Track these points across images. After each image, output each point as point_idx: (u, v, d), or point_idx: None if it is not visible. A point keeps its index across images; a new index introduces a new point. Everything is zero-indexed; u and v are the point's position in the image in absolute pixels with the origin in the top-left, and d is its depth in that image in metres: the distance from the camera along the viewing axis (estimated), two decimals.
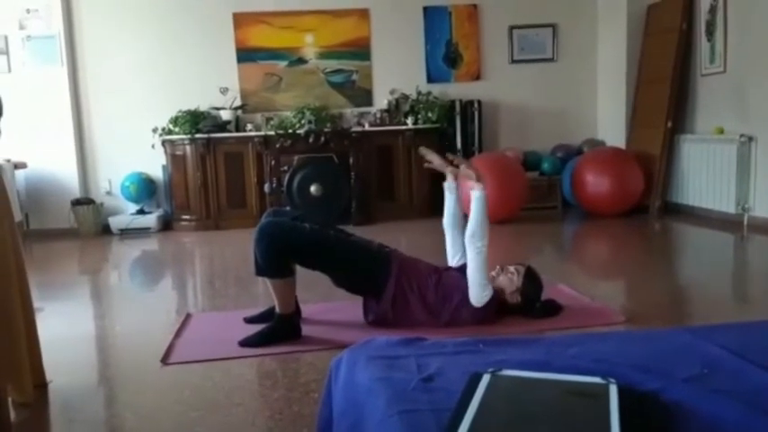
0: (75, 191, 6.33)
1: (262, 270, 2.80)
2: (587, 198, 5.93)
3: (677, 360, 1.44)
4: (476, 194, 2.77)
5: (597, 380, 1.26)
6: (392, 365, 1.47)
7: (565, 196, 6.45)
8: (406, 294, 2.80)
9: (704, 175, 5.62)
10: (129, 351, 2.87)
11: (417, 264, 2.94)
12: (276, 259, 2.73)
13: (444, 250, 3.10)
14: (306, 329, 2.88)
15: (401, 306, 2.80)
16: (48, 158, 6.25)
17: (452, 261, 3.05)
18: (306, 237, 2.77)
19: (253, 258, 2.84)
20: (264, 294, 3.92)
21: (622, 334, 2.28)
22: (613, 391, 1.20)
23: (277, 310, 2.82)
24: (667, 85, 5.89)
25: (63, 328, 3.21)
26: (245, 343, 2.74)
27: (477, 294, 2.76)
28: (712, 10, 5.60)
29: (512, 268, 2.94)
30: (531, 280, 2.92)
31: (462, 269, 2.88)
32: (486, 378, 1.28)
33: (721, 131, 5.47)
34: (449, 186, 3.03)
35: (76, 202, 6.24)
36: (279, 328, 2.79)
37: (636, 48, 6.35)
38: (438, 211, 6.65)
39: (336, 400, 1.55)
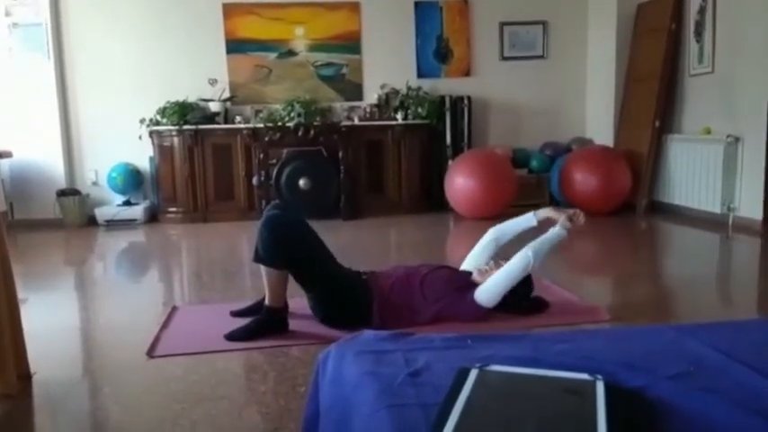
0: (61, 181, 6.27)
1: (260, 257, 2.77)
2: (575, 196, 5.96)
3: (663, 357, 1.45)
4: (562, 233, 2.84)
5: (584, 376, 1.26)
6: (380, 360, 1.47)
7: (553, 194, 6.48)
8: (392, 314, 2.75)
9: (691, 175, 5.67)
10: (115, 343, 2.85)
11: (397, 273, 2.89)
12: (276, 251, 2.71)
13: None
14: (293, 324, 2.87)
15: (393, 325, 2.73)
16: (33, 148, 6.18)
17: (466, 265, 3.07)
18: (309, 242, 2.79)
19: (254, 246, 2.82)
20: (251, 288, 3.91)
21: (609, 331, 2.30)
22: (600, 387, 1.21)
23: (267, 302, 2.81)
24: (656, 85, 5.92)
25: (48, 319, 3.18)
26: (231, 336, 2.73)
27: (486, 298, 2.77)
28: (701, 10, 5.64)
29: (504, 264, 2.90)
30: (523, 280, 2.88)
31: (459, 272, 2.93)
32: (473, 373, 1.28)
33: (708, 131, 5.51)
34: (539, 218, 3.06)
35: (62, 193, 6.18)
36: (266, 322, 2.78)
37: (625, 47, 6.39)
38: (426, 206, 6.66)
39: (323, 394, 1.55)
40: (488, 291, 2.79)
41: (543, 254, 2.81)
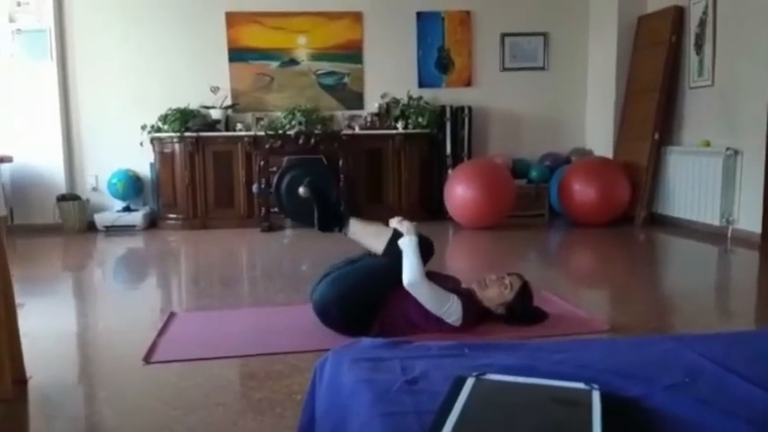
0: (61, 186, 6.28)
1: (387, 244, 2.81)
2: (574, 207, 5.97)
3: (660, 368, 1.45)
4: (407, 239, 2.75)
5: (580, 385, 1.26)
6: (376, 367, 1.47)
7: (552, 204, 6.48)
8: (391, 325, 2.73)
9: (690, 187, 5.67)
10: (111, 349, 2.84)
11: (398, 286, 2.82)
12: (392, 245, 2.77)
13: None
14: (291, 331, 2.87)
15: (391, 335, 2.71)
16: (34, 153, 6.18)
17: None
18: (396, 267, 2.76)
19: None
20: (249, 295, 3.92)
21: (606, 341, 2.29)
22: (596, 396, 1.21)
23: (353, 217, 2.90)
24: (656, 97, 5.94)
25: (45, 324, 3.17)
26: (312, 185, 2.99)
27: (447, 319, 2.73)
28: (702, 23, 5.67)
29: (507, 281, 2.86)
30: (523, 297, 2.87)
31: (447, 279, 2.91)
32: (470, 381, 1.28)
33: (707, 144, 5.52)
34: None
35: (62, 198, 6.18)
36: (336, 210, 2.89)
37: (625, 59, 6.41)
38: (426, 215, 6.65)
39: (320, 401, 1.55)
40: (443, 317, 2.72)
41: (418, 271, 2.69)
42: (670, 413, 1.21)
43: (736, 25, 5.29)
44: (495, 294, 2.85)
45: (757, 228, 5.01)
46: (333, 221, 2.92)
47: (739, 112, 5.25)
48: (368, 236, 2.86)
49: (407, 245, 2.74)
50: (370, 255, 2.92)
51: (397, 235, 2.80)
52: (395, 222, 2.89)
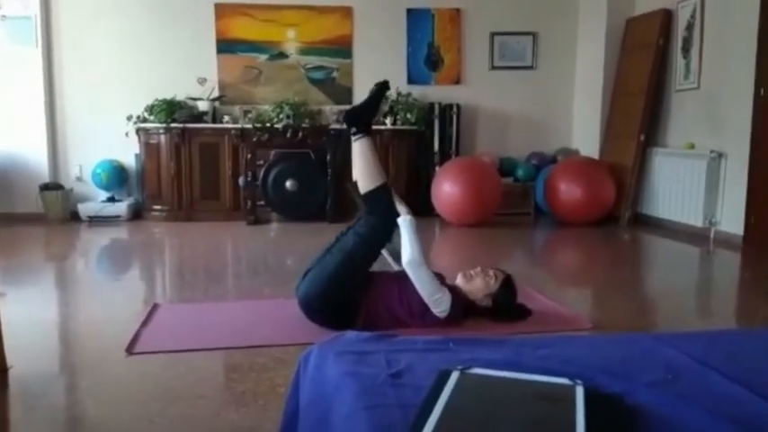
0: (45, 175, 6.20)
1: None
2: (559, 206, 6.00)
3: (642, 365, 1.46)
4: (408, 218, 2.77)
5: (564, 381, 1.27)
6: (361, 360, 1.47)
7: (538, 203, 6.52)
8: (376, 320, 2.72)
9: (674, 189, 5.72)
10: (93, 339, 2.81)
11: (382, 279, 2.87)
12: (386, 207, 2.84)
13: None
14: (276, 324, 2.87)
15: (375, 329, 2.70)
16: (17, 141, 6.12)
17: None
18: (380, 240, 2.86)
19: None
20: (234, 288, 3.91)
21: (590, 338, 2.31)
22: (580, 392, 1.22)
23: (368, 140, 3.00)
24: (642, 99, 5.99)
25: (26, 313, 3.13)
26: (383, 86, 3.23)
27: (435, 308, 2.74)
28: (689, 27, 5.72)
29: (491, 272, 2.90)
30: (508, 289, 2.89)
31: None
32: (454, 375, 1.28)
33: (692, 146, 5.58)
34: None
35: (45, 187, 6.11)
36: (370, 122, 3.05)
37: (613, 60, 6.45)
38: (413, 211, 6.62)
39: (304, 393, 1.54)
40: (429, 305, 2.74)
41: (418, 250, 2.71)
42: (652, 409, 1.22)
43: (722, 30, 5.34)
44: (480, 286, 2.87)
45: (739, 230, 5.07)
46: (362, 122, 3.02)
47: (724, 116, 5.31)
48: (367, 163, 2.91)
49: (408, 224, 2.75)
50: (343, 234, 2.91)
51: (386, 190, 2.87)
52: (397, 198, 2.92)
